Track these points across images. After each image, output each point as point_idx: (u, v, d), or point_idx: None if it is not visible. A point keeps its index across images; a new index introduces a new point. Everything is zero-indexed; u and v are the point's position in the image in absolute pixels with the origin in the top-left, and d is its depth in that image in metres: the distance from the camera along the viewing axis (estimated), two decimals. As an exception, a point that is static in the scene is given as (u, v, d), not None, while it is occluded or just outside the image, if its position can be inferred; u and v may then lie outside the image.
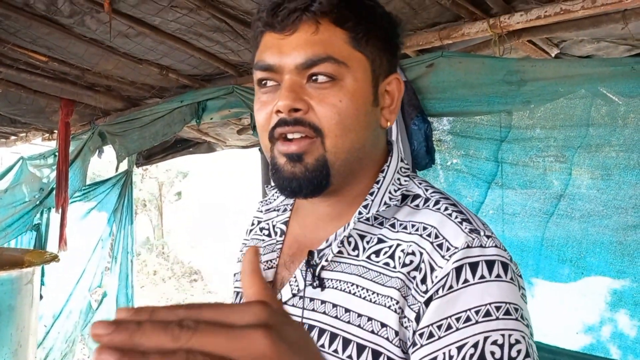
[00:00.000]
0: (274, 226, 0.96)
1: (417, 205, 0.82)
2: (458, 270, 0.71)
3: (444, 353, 0.67)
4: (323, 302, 0.80)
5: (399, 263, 0.76)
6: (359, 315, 0.76)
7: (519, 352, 0.66)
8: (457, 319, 0.68)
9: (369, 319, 0.75)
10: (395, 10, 2.22)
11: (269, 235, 0.96)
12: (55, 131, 4.57)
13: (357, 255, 0.80)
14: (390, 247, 0.78)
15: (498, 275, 0.71)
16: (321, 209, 0.87)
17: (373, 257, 0.79)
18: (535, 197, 2.17)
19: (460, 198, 2.39)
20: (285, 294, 0.84)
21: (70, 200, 4.35)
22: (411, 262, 0.75)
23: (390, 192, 0.83)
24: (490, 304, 0.68)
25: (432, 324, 0.70)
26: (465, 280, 0.70)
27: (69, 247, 4.34)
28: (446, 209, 0.79)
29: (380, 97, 0.85)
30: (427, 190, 0.84)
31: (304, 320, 0.80)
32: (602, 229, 1.97)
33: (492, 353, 0.65)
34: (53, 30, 2.85)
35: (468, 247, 0.72)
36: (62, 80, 3.63)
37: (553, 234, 2.10)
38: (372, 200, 0.82)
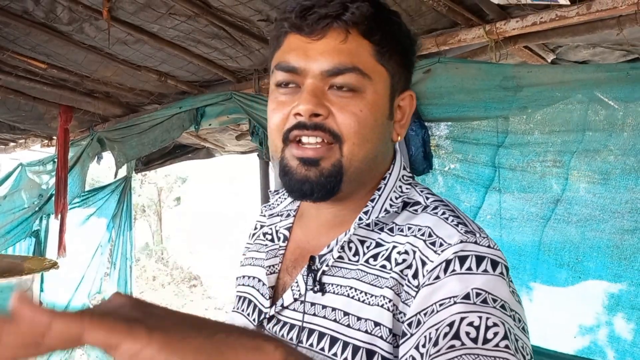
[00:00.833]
0: (277, 231, 0.97)
1: (416, 210, 0.83)
2: (447, 262, 0.72)
3: (424, 336, 0.66)
4: (324, 306, 0.81)
5: (394, 264, 0.77)
6: (358, 319, 0.77)
7: (495, 334, 0.62)
8: (441, 305, 0.68)
9: (365, 319, 0.76)
10: (392, 17, 2.24)
11: (272, 240, 0.96)
12: (54, 137, 4.57)
13: (357, 260, 0.81)
14: (387, 249, 0.80)
15: (485, 270, 0.70)
16: (324, 215, 0.88)
17: (371, 260, 0.80)
18: (533, 202, 2.18)
19: (458, 203, 2.40)
20: (287, 298, 0.85)
21: (70, 207, 4.35)
22: (404, 260, 0.76)
23: (391, 199, 0.84)
24: (472, 289, 0.67)
25: (419, 312, 0.70)
26: (453, 271, 0.71)
27: (68, 253, 4.34)
28: (443, 213, 0.80)
29: (394, 111, 0.86)
30: (427, 198, 0.85)
31: (305, 325, 0.81)
32: (599, 233, 1.98)
33: (467, 333, 0.63)
34: (52, 37, 2.87)
35: (461, 242, 0.73)
36: (61, 87, 3.65)
37: (550, 238, 2.10)
38: (373, 207, 0.83)
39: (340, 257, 0.82)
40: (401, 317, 0.74)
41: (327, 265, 0.82)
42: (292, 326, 0.83)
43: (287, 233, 0.95)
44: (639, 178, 1.91)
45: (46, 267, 3.35)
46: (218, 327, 0.45)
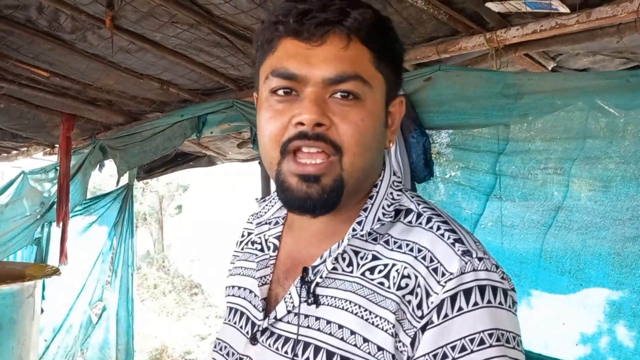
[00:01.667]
0: (266, 240, 0.94)
1: (410, 222, 0.82)
2: (453, 298, 0.72)
3: None
4: (317, 318, 0.79)
5: (393, 284, 0.76)
6: (352, 333, 0.75)
7: None
8: (453, 348, 0.70)
9: (365, 339, 0.75)
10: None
11: (262, 250, 0.94)
12: (57, 145, 4.59)
13: (352, 272, 0.80)
14: (385, 265, 0.78)
15: (489, 301, 0.72)
16: (316, 225, 0.86)
17: (367, 274, 0.79)
18: (534, 209, 2.18)
19: (459, 210, 2.40)
20: (280, 310, 0.83)
21: (71, 214, 4.36)
22: (407, 285, 0.75)
23: (383, 208, 0.83)
24: (483, 331, 0.70)
25: (428, 353, 0.71)
26: (460, 308, 0.71)
27: (70, 261, 4.34)
28: (438, 228, 0.79)
29: (388, 118, 0.86)
30: (419, 205, 0.84)
31: (300, 338, 0.79)
32: (600, 240, 1.98)
33: None
34: (55, 46, 2.89)
35: (462, 273, 0.73)
36: (64, 95, 3.66)
37: (551, 245, 2.10)
38: (366, 217, 0.82)
39: (334, 269, 0.81)
40: (400, 346, 0.73)
41: (320, 277, 0.81)
42: (286, 339, 0.81)
43: (277, 242, 0.93)
44: (639, 185, 1.91)
45: (48, 273, 3.35)
46: None
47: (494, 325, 0.71)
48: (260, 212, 0.99)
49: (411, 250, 0.78)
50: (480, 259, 0.75)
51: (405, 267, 0.76)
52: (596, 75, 2.13)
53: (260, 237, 0.96)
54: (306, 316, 0.80)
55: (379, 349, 0.73)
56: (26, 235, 4.85)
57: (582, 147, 2.07)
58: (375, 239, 0.81)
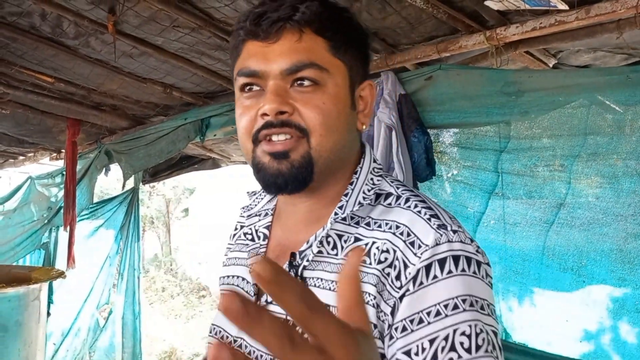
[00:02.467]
0: (257, 230, 1.00)
1: (390, 204, 0.86)
2: (428, 267, 0.76)
3: (417, 345, 0.72)
4: None
5: (374, 260, 0.80)
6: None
7: (483, 340, 0.71)
8: (428, 313, 0.73)
9: None
10: (392, 25, 2.26)
11: (253, 239, 1.00)
12: (63, 150, 4.62)
13: (337, 254, 0.85)
14: (366, 244, 0.83)
15: (463, 270, 0.75)
16: (301, 211, 0.92)
17: None
18: (536, 207, 2.18)
19: (462, 209, 2.40)
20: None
21: (78, 219, 4.39)
22: (385, 259, 0.80)
23: (364, 192, 0.88)
24: (457, 297, 0.73)
25: (405, 318, 0.74)
26: (435, 277, 0.75)
27: (77, 264, 4.37)
28: (416, 206, 0.84)
29: (356, 101, 0.90)
30: (398, 188, 0.89)
31: (289, 318, 0.82)
32: (602, 237, 1.98)
33: (462, 343, 0.70)
34: (59, 51, 2.91)
35: (437, 244, 0.77)
36: (69, 101, 3.69)
37: (554, 242, 2.10)
38: (347, 201, 0.87)
39: (319, 252, 0.86)
40: (382, 316, 0.77)
41: (307, 261, 0.86)
42: None
43: (266, 232, 0.98)
44: (642, 181, 1.91)
45: (53, 276, 3.37)
46: None
47: (467, 292, 0.74)
48: (250, 204, 1.05)
49: (390, 228, 0.82)
50: (454, 232, 0.79)
51: (384, 243, 0.81)
52: (597, 72, 2.13)
53: (251, 228, 1.02)
54: None
55: None
56: (34, 240, 4.89)
57: (584, 144, 2.07)
58: (357, 223, 0.86)
